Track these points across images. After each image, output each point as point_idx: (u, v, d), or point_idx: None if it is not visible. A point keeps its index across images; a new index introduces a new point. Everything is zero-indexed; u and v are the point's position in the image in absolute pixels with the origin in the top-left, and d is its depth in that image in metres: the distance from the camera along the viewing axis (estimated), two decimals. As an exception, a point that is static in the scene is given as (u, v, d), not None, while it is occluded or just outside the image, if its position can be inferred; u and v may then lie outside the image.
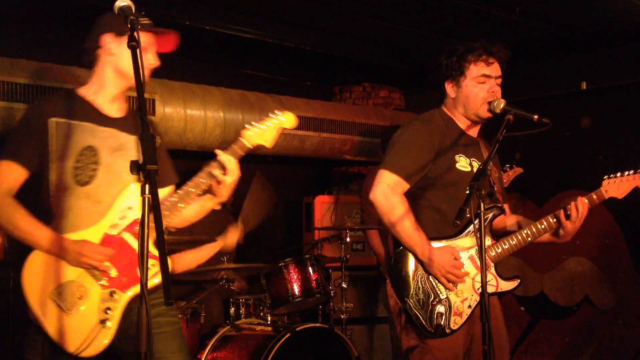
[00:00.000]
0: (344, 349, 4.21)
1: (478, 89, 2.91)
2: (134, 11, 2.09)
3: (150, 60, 2.58)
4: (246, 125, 2.58)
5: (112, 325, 2.48)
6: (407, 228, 2.82)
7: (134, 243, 2.52)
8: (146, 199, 1.85)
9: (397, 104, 6.91)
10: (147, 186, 1.85)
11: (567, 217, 2.90)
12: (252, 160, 5.97)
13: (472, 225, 2.82)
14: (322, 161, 6.42)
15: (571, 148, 5.73)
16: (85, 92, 2.61)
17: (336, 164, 6.77)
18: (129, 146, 2.59)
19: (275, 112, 2.63)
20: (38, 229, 2.46)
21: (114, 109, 2.62)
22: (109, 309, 2.48)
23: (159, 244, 1.84)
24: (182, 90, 5.02)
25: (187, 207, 2.57)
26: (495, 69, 2.94)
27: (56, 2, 4.39)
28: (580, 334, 5.59)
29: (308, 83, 6.71)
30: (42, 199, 2.51)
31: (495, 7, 4.68)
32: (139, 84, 1.93)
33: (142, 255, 1.86)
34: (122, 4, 2.10)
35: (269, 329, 4.19)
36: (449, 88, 2.98)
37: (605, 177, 2.96)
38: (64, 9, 4.50)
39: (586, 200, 2.90)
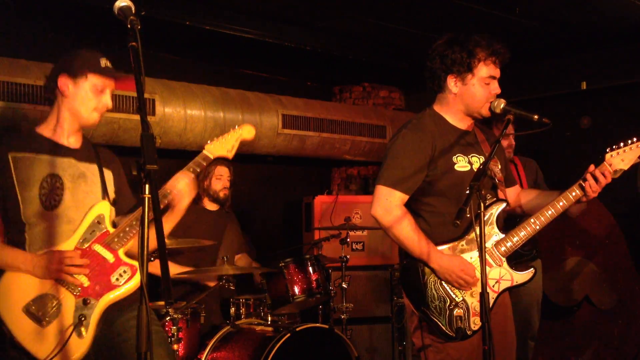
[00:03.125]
0: (344, 349, 4.21)
1: (483, 90, 2.83)
2: (134, 11, 2.08)
3: (105, 102, 2.67)
4: (208, 141, 2.80)
5: (88, 333, 2.52)
6: (407, 232, 2.80)
7: (105, 253, 2.61)
8: (146, 199, 1.85)
9: (397, 104, 6.91)
10: (147, 186, 1.85)
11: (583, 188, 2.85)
12: (252, 160, 5.99)
13: (476, 226, 2.68)
14: (322, 161, 6.42)
15: (571, 148, 5.73)
16: (43, 129, 2.69)
17: (336, 164, 6.77)
18: (90, 174, 2.71)
19: (236, 126, 2.86)
20: (5, 250, 2.53)
21: (72, 141, 2.71)
22: (83, 316, 2.52)
23: (159, 247, 1.84)
24: (182, 90, 5.02)
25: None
26: (499, 70, 2.87)
27: (56, 2, 4.39)
28: (580, 334, 5.59)
29: (308, 83, 6.71)
30: (15, 229, 2.57)
31: (495, 7, 4.68)
32: (139, 84, 1.93)
33: (142, 255, 1.86)
34: (122, 4, 2.09)
35: (269, 329, 4.18)
36: (452, 83, 2.86)
37: (608, 149, 2.86)
38: (64, 9, 4.51)
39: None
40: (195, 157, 2.75)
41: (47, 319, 2.48)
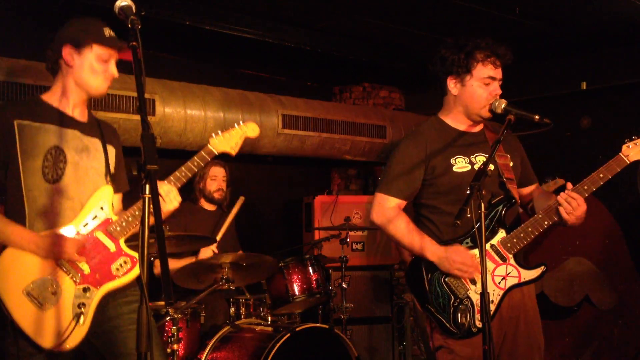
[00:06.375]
0: (344, 349, 4.21)
1: (482, 90, 2.85)
2: (134, 11, 2.09)
3: (111, 71, 2.66)
4: (212, 134, 2.80)
5: (86, 320, 2.53)
6: (401, 230, 2.88)
7: (106, 241, 2.61)
8: (146, 199, 1.85)
9: (397, 104, 6.91)
10: (147, 186, 1.85)
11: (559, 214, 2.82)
12: (252, 160, 5.99)
13: (480, 223, 2.59)
14: (322, 161, 6.42)
15: (571, 148, 5.73)
16: (49, 97, 2.67)
17: (336, 164, 6.77)
18: (93, 148, 2.68)
19: (240, 122, 2.88)
20: (9, 226, 2.51)
21: (77, 113, 2.69)
22: (82, 304, 2.53)
23: (160, 247, 1.84)
24: (182, 90, 5.02)
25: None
26: (499, 71, 2.89)
27: (56, 2, 4.39)
28: (580, 334, 5.59)
29: (308, 83, 6.71)
30: (14, 199, 2.54)
31: (495, 7, 4.68)
32: (139, 84, 1.93)
33: (142, 255, 1.86)
34: (122, 3, 2.10)
35: (269, 329, 4.18)
36: (452, 84, 2.91)
37: (627, 140, 2.80)
38: (64, 9, 4.50)
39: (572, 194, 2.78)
40: (199, 151, 2.75)
41: (46, 304, 2.48)
